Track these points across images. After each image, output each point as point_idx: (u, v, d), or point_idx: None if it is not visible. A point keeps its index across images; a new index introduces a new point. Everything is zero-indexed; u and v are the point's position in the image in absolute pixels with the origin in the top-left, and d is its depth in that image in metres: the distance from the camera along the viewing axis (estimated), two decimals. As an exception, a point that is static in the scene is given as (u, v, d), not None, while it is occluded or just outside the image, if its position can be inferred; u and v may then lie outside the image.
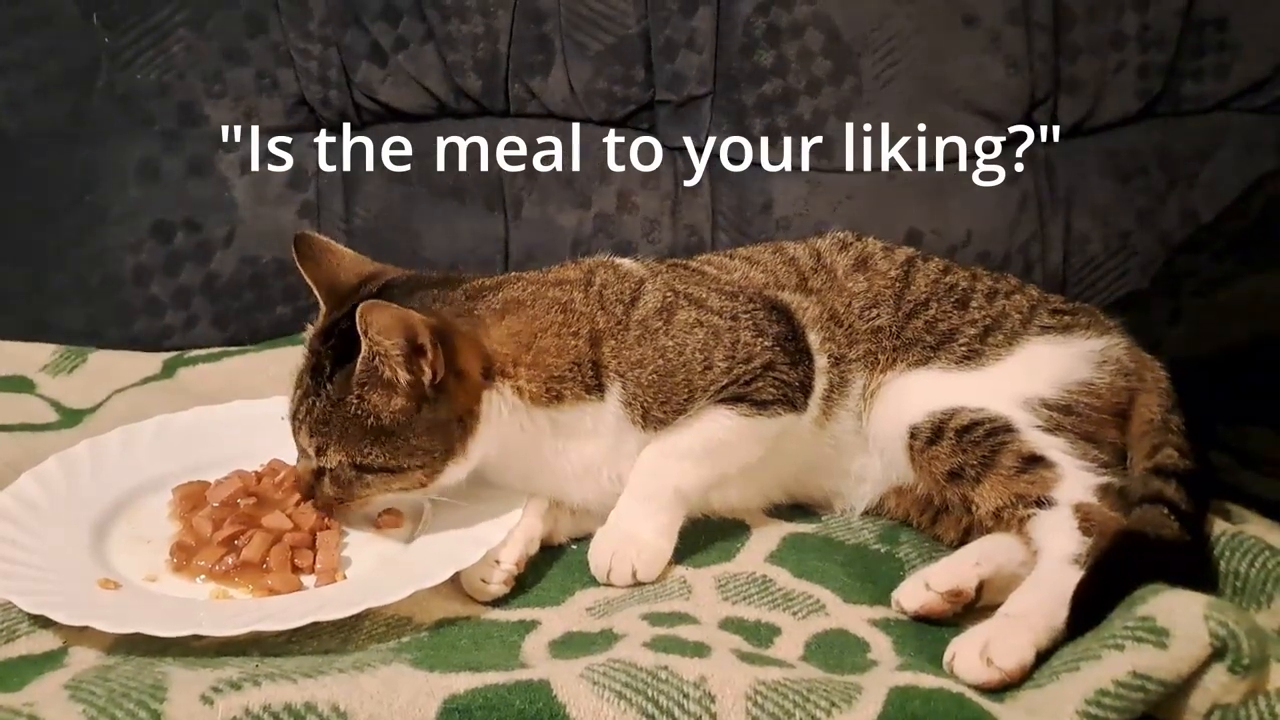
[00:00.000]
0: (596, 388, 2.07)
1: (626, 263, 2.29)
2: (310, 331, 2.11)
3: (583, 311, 2.11)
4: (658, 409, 2.07)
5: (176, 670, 1.65)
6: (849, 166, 2.96)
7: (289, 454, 2.22)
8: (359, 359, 1.91)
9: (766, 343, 2.12)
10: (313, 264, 2.15)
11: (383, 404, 1.94)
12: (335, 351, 1.99)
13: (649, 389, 2.07)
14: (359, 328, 1.86)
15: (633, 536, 2.06)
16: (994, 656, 1.72)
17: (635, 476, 2.09)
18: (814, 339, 2.20)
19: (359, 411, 1.95)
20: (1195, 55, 2.94)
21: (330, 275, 2.15)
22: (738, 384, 2.08)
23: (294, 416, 2.04)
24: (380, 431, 1.95)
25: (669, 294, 2.16)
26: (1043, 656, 1.73)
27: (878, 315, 2.26)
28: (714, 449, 2.09)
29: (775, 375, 2.10)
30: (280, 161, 2.99)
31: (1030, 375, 2.16)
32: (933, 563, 2.03)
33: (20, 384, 2.71)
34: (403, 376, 1.92)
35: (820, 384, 2.18)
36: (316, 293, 2.13)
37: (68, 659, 1.75)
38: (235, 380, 2.70)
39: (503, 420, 2.03)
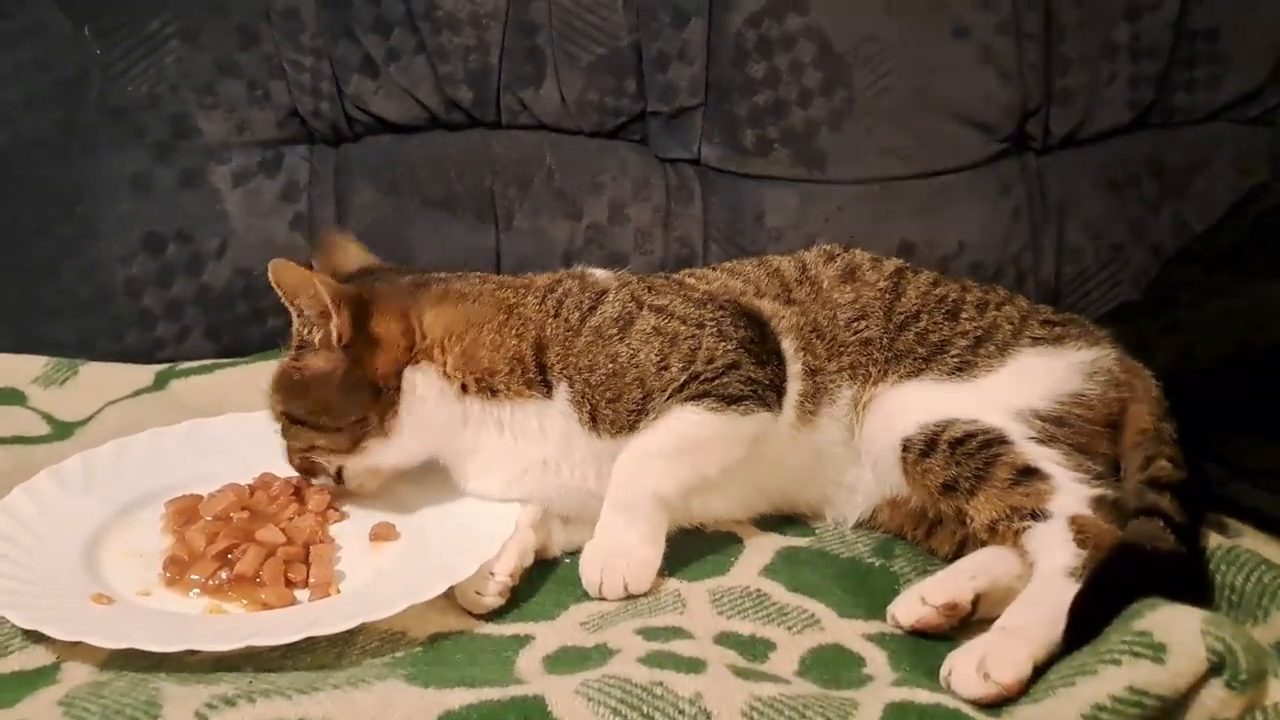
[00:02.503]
0: (541, 383, 2.11)
1: (598, 273, 2.30)
2: None
3: (531, 317, 2.16)
4: (606, 406, 2.08)
5: (170, 686, 1.65)
6: (841, 178, 2.96)
7: (281, 467, 2.23)
8: (293, 320, 2.11)
9: (729, 346, 2.12)
10: (324, 256, 2.31)
11: (310, 361, 2.10)
12: None
13: (598, 388, 2.08)
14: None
15: (620, 549, 2.05)
16: (991, 671, 1.71)
17: (612, 487, 2.08)
18: (788, 345, 2.20)
19: (291, 367, 2.13)
20: (1187, 66, 2.95)
21: (334, 266, 2.26)
22: (699, 381, 2.08)
23: None
24: (303, 386, 2.11)
25: (630, 304, 2.17)
26: (1039, 671, 1.72)
27: (866, 327, 2.26)
28: (686, 447, 2.08)
29: (741, 373, 2.09)
30: (272, 173, 2.98)
31: (1022, 386, 2.15)
32: (928, 576, 2.03)
33: (11, 396, 2.69)
34: (316, 335, 2.08)
35: (794, 389, 2.18)
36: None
37: (60, 675, 1.74)
38: (227, 393, 2.68)
39: (428, 404, 2.11)
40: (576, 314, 2.15)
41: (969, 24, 2.89)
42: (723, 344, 2.11)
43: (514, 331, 2.13)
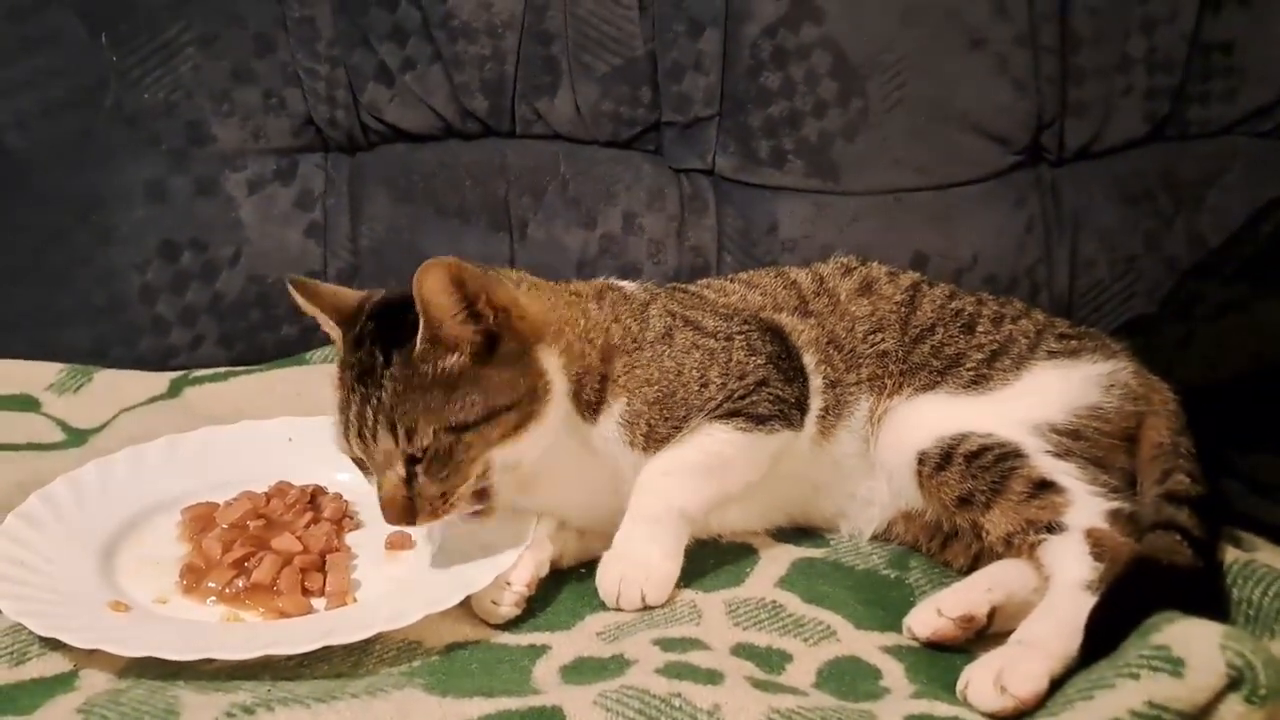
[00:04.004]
0: (594, 405, 2.06)
1: (629, 285, 2.30)
2: (337, 359, 2.04)
3: (598, 322, 2.11)
4: (663, 426, 2.06)
5: (189, 694, 1.65)
6: (855, 189, 2.96)
7: (296, 475, 2.24)
8: (421, 329, 1.88)
9: (760, 360, 2.12)
10: (315, 298, 2.09)
11: (456, 359, 1.90)
12: (381, 346, 1.93)
13: (654, 405, 2.07)
14: (415, 293, 1.84)
15: (639, 560, 2.05)
16: (1008, 684, 1.71)
17: (636, 498, 2.08)
18: (809, 360, 2.20)
19: (436, 375, 1.90)
20: (1202, 79, 2.95)
21: (332, 302, 2.08)
22: (732, 400, 2.08)
23: (360, 434, 1.93)
24: (464, 381, 1.91)
25: (669, 317, 2.17)
26: (1056, 684, 1.72)
27: (883, 339, 2.26)
28: (714, 465, 2.08)
29: (770, 391, 2.10)
30: (287, 181, 3.00)
31: (1038, 400, 2.15)
32: (943, 588, 2.03)
33: (26, 403, 2.71)
34: (469, 330, 1.90)
35: (815, 404, 2.18)
36: (326, 321, 2.07)
37: (78, 682, 1.75)
38: (242, 400, 2.69)
39: (559, 388, 2.01)
40: (636, 325, 2.14)
41: (985, 35, 2.88)
42: (753, 359, 2.12)
43: (588, 337, 2.08)
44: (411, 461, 1.91)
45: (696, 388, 2.08)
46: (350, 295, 2.12)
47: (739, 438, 2.07)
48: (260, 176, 2.99)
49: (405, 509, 1.93)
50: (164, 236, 2.94)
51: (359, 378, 1.94)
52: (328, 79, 2.98)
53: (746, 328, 2.18)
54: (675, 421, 2.07)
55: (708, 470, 2.08)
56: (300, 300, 2.09)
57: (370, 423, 1.91)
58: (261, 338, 2.99)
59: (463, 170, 3.04)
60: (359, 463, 1.99)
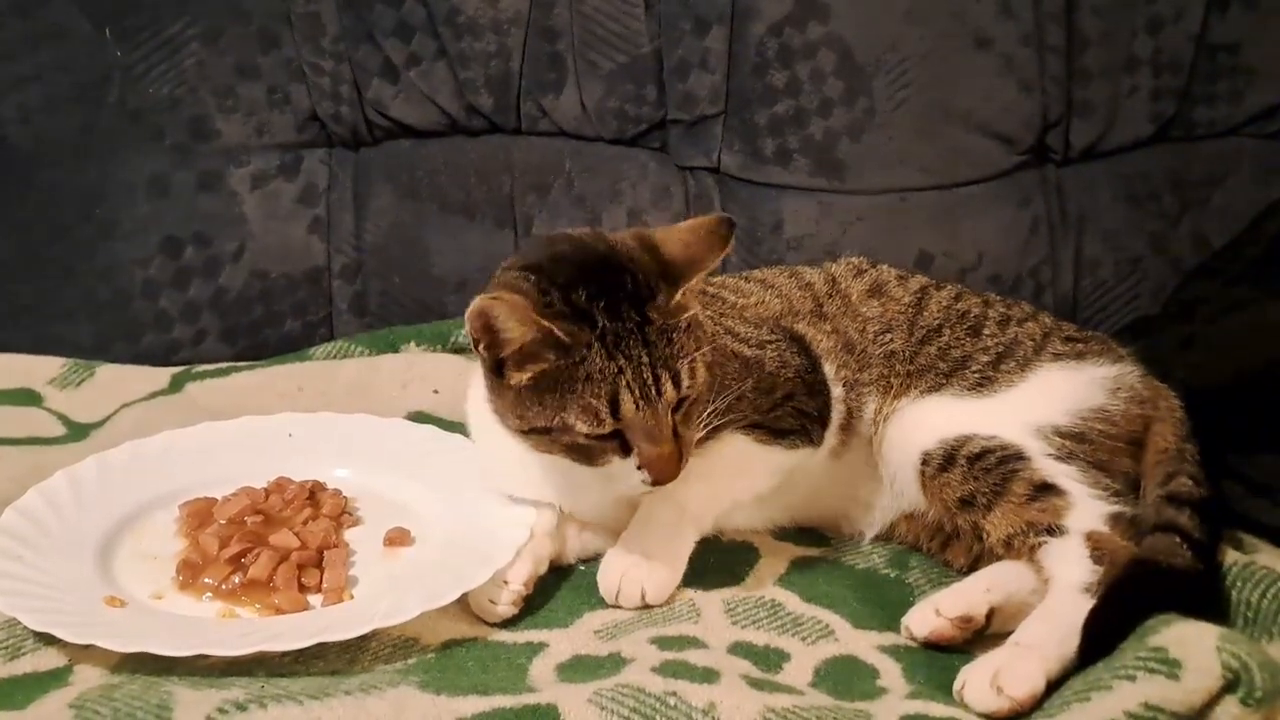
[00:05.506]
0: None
1: None
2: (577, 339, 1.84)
3: None
4: (700, 431, 2.02)
5: (182, 690, 1.65)
6: (860, 188, 2.95)
7: (296, 471, 2.23)
8: (693, 279, 1.89)
9: (789, 374, 2.12)
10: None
11: (694, 310, 1.92)
12: (626, 308, 1.86)
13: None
14: (706, 242, 1.91)
15: (643, 559, 2.03)
16: (1004, 685, 1.71)
17: (649, 499, 2.06)
18: (829, 369, 2.20)
19: (685, 322, 1.90)
20: (1208, 80, 2.93)
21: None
22: (759, 412, 2.08)
23: (644, 396, 1.84)
24: (696, 326, 1.92)
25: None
26: (1053, 686, 1.72)
27: (890, 340, 2.25)
28: (728, 474, 2.09)
29: (794, 405, 2.10)
30: (291, 177, 3.00)
31: (1043, 402, 2.14)
32: (943, 589, 2.03)
33: (27, 397, 2.71)
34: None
35: (837, 413, 2.18)
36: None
37: (72, 677, 1.75)
38: (243, 396, 2.69)
39: None
40: None
41: (991, 35, 2.87)
42: (783, 372, 2.12)
43: None
44: (672, 412, 1.89)
45: (734, 399, 2.05)
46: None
47: (757, 449, 2.08)
48: (264, 172, 2.99)
49: (676, 462, 1.90)
50: (167, 232, 2.95)
51: (615, 344, 1.84)
52: (332, 75, 2.98)
53: (775, 338, 2.18)
54: (709, 429, 2.03)
55: (722, 478, 2.08)
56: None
57: (652, 379, 1.85)
58: (264, 333, 2.99)
59: (468, 167, 3.04)
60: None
